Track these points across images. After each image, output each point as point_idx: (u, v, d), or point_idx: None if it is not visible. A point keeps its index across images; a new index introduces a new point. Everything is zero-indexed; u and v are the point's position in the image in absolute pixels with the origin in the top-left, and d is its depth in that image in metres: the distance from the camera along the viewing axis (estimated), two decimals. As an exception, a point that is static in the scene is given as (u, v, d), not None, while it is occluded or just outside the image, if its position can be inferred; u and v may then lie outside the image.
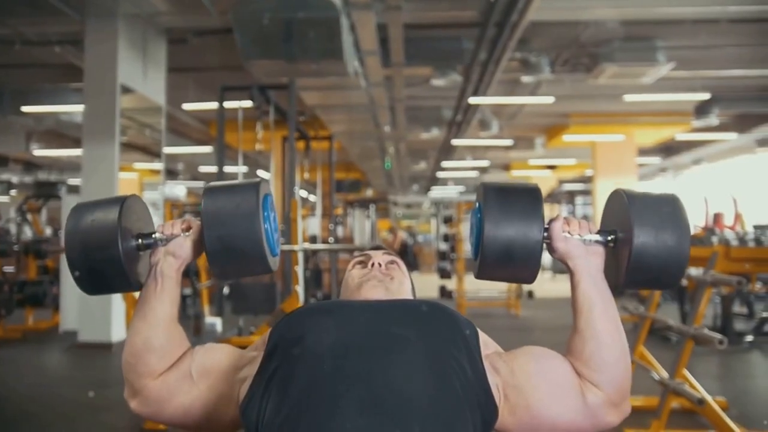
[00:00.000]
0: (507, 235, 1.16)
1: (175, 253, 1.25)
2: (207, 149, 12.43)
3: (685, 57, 7.66)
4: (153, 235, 1.26)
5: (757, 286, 6.29)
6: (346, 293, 1.36)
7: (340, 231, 11.52)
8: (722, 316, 6.28)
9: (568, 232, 1.22)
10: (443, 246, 10.24)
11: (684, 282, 6.17)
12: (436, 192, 22.18)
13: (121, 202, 1.21)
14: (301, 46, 5.61)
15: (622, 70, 7.53)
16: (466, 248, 10.41)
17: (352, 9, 5.48)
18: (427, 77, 7.98)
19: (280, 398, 1.05)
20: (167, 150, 7.46)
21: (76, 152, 10.81)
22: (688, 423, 3.65)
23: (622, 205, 1.19)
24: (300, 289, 4.43)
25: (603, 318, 1.18)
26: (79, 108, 7.75)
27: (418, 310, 1.20)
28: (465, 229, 10.47)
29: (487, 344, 1.21)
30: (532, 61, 7.55)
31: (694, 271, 4.50)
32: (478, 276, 1.24)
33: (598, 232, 1.23)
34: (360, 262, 1.41)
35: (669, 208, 1.18)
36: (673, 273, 1.17)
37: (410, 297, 1.38)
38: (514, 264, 1.18)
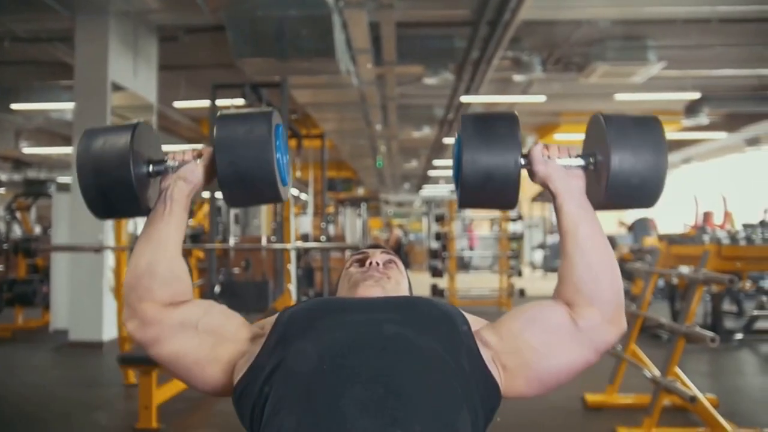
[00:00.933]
0: (485, 161, 1.18)
1: (186, 178, 1.24)
2: (198, 147, 12.36)
3: (676, 56, 7.70)
4: (164, 162, 1.26)
5: (747, 284, 6.33)
6: (343, 291, 1.36)
7: (331, 229, 11.51)
8: (712, 314, 6.31)
9: (548, 157, 1.24)
10: (434, 244, 10.25)
11: (675, 280, 6.21)
12: (428, 191, 22.20)
13: (133, 127, 1.22)
14: (293, 44, 5.60)
15: (613, 69, 7.57)
16: (458, 247, 10.44)
17: (345, 7, 5.48)
18: (418, 76, 7.98)
19: (279, 398, 1.05)
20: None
21: (65, 150, 10.76)
22: (680, 420, 3.67)
23: (600, 127, 1.21)
24: (293, 287, 4.42)
25: (590, 236, 1.19)
26: (69, 106, 7.71)
27: (415, 308, 1.20)
28: (457, 228, 10.50)
29: (474, 323, 1.22)
30: (524, 60, 7.57)
31: (685, 270, 4.53)
32: (461, 204, 1.26)
33: (578, 156, 1.25)
34: (358, 261, 1.40)
35: (646, 128, 1.20)
36: (651, 191, 1.20)
37: (407, 295, 1.38)
38: (493, 189, 1.20)
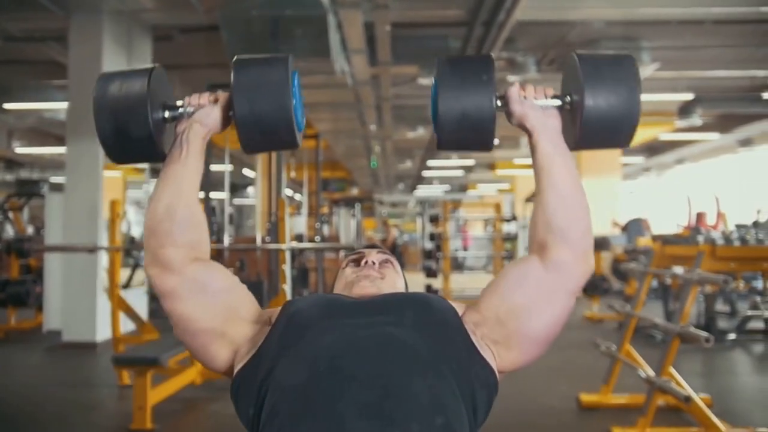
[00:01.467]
0: (461, 101, 1.19)
1: (201, 121, 1.25)
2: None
3: (670, 57, 7.74)
4: (180, 106, 1.27)
5: (740, 285, 6.37)
6: (339, 291, 1.35)
7: (326, 230, 11.50)
8: (706, 315, 6.34)
9: (524, 97, 1.25)
10: (429, 245, 10.25)
11: (668, 280, 6.24)
12: (422, 191, 22.21)
13: (150, 70, 1.22)
14: (288, 44, 5.60)
15: (608, 70, 7.58)
16: (452, 247, 10.45)
17: (340, 7, 5.47)
18: (413, 76, 7.98)
19: (276, 401, 1.04)
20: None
21: (58, 150, 10.71)
22: (674, 420, 3.68)
23: (575, 67, 1.22)
24: (287, 287, 4.42)
25: (563, 173, 1.21)
26: (62, 105, 7.67)
27: (407, 306, 1.20)
28: (450, 228, 10.52)
29: (459, 309, 1.23)
30: (519, 61, 7.58)
31: (680, 270, 4.55)
32: (439, 146, 1.28)
33: (554, 97, 1.26)
34: (353, 261, 1.39)
35: (620, 66, 1.21)
36: (625, 130, 1.21)
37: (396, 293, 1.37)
38: (469, 129, 1.21)
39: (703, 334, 2.93)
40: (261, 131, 1.21)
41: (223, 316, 1.19)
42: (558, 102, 1.26)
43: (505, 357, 1.18)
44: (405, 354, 1.08)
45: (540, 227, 1.21)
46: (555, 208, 1.19)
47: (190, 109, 1.26)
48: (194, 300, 1.18)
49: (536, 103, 1.25)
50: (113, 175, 6.43)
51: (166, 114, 1.26)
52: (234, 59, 1.22)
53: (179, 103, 1.27)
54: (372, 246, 1.45)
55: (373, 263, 1.36)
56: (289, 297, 4.42)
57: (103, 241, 5.78)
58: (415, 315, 1.17)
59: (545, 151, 1.22)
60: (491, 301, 1.20)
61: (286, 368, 1.08)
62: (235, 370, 1.16)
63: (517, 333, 1.17)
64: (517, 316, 1.17)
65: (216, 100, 1.26)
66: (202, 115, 1.25)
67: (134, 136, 1.20)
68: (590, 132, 1.21)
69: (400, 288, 1.37)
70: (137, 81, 1.20)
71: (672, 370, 3.33)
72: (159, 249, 1.18)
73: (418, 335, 1.12)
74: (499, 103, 1.22)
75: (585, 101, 1.18)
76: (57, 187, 10.86)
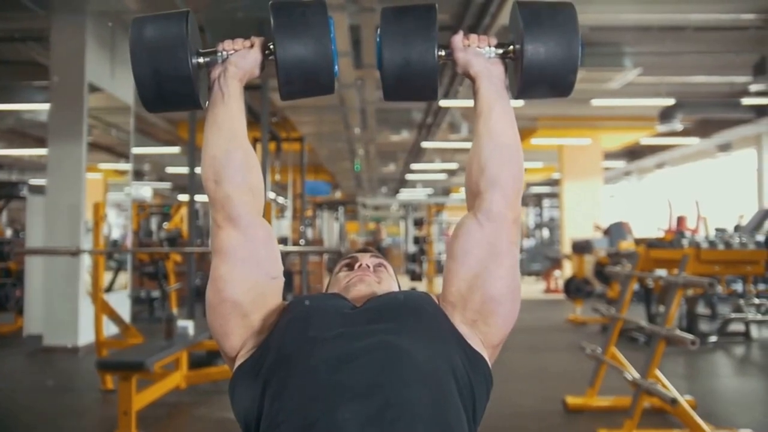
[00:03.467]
0: (403, 52, 1.20)
1: (237, 63, 1.23)
2: (174, 150, 12.26)
3: (651, 63, 7.82)
4: (215, 52, 1.25)
5: (721, 288, 6.44)
6: None
7: (309, 233, 11.47)
8: (687, 317, 6.41)
9: (468, 45, 1.26)
10: (413, 248, 10.27)
11: (650, 283, 6.29)
12: (405, 194, 22.24)
13: (185, 14, 1.20)
14: (273, 47, 5.58)
15: (590, 74, 7.66)
16: (437, 250, 10.46)
17: (326, 10, 5.47)
18: (398, 79, 7.99)
19: (276, 411, 1.03)
20: (134, 150, 7.33)
21: (38, 152, 10.58)
22: (658, 422, 3.71)
23: (515, 16, 1.23)
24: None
25: (501, 119, 1.22)
26: (42, 107, 7.58)
27: (403, 312, 1.18)
28: (435, 231, 10.53)
29: (438, 300, 1.24)
30: (503, 65, 7.62)
31: (663, 273, 4.60)
32: (386, 97, 1.28)
33: (497, 46, 1.27)
34: (347, 265, 1.39)
35: (559, 15, 1.22)
36: (564, 79, 1.23)
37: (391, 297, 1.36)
38: (413, 78, 1.22)
39: (689, 336, 2.96)
40: (302, 74, 1.20)
41: (254, 297, 1.18)
42: (501, 50, 1.26)
43: (487, 331, 1.18)
44: (403, 362, 1.07)
45: (474, 173, 1.22)
46: (490, 154, 1.20)
47: (224, 54, 1.24)
48: (244, 267, 1.18)
49: (480, 51, 1.26)
50: (94, 177, 6.35)
51: (201, 59, 1.24)
52: (271, 2, 1.21)
53: (213, 48, 1.26)
54: (365, 250, 1.44)
55: (368, 267, 1.35)
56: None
57: (86, 244, 5.72)
58: (410, 319, 1.16)
59: (486, 97, 1.23)
60: (451, 285, 1.21)
61: (285, 379, 1.06)
62: (236, 365, 1.16)
63: (484, 300, 1.18)
64: (477, 286, 1.18)
65: (252, 45, 1.24)
66: (237, 57, 1.23)
67: (173, 80, 1.18)
68: (530, 79, 1.22)
69: (394, 291, 1.36)
70: (174, 24, 1.18)
71: (658, 373, 3.36)
72: (226, 198, 1.18)
73: (415, 341, 1.11)
74: (442, 52, 1.23)
75: (525, 48, 1.19)
76: (37, 189, 10.73)
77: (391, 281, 1.38)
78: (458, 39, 1.25)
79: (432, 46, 1.20)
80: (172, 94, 1.21)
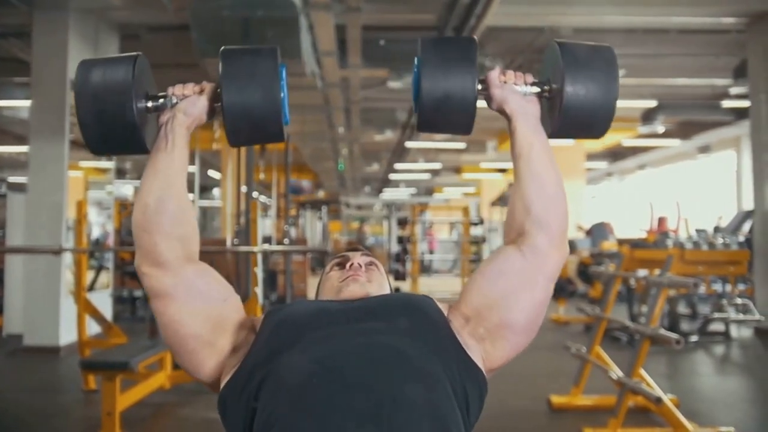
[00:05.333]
0: (443, 83, 1.19)
1: (186, 111, 1.21)
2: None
3: (635, 65, 7.90)
4: (164, 96, 1.23)
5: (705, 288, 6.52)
6: (325, 295, 1.33)
7: (293, 232, 11.44)
8: (669, 317, 6.48)
9: (504, 81, 1.25)
10: (396, 248, 10.28)
11: (633, 283, 6.35)
12: (388, 194, 22.25)
13: (134, 58, 1.19)
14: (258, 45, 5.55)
15: (574, 76, 7.71)
16: (420, 250, 10.48)
17: (312, 9, 5.46)
18: (383, 79, 8.00)
19: (269, 413, 1.02)
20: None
21: (19, 149, 10.45)
22: (642, 420, 3.74)
23: (554, 55, 1.23)
24: (259, 290, 4.38)
25: (542, 158, 1.21)
26: (23, 103, 7.49)
27: (398, 311, 1.19)
28: (419, 231, 10.55)
29: (444, 310, 1.23)
30: (487, 66, 7.65)
31: (644, 273, 4.66)
32: (420, 128, 1.28)
33: (534, 83, 1.27)
34: (338, 264, 1.38)
35: (599, 57, 1.22)
36: (602, 121, 1.23)
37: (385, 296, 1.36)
38: (450, 111, 1.21)
39: (674, 336, 2.99)
40: (249, 123, 1.19)
41: (213, 324, 1.17)
42: (537, 89, 1.26)
43: (492, 352, 1.18)
44: (398, 360, 1.07)
45: (518, 214, 1.21)
46: (534, 196, 1.20)
47: (174, 100, 1.23)
48: (189, 303, 1.16)
49: (516, 89, 1.25)
50: (74, 175, 6.27)
51: (150, 104, 1.22)
52: (222, 49, 1.20)
53: (163, 93, 1.24)
54: (355, 249, 1.43)
55: (359, 266, 1.35)
56: (260, 300, 4.38)
57: (67, 242, 5.65)
58: (405, 320, 1.16)
59: (525, 137, 1.22)
60: (472, 298, 1.20)
61: (278, 380, 1.05)
62: (222, 384, 1.13)
63: (501, 324, 1.17)
64: (499, 308, 1.17)
65: (201, 91, 1.23)
66: (187, 104, 1.22)
67: (117, 126, 1.16)
68: (568, 121, 1.22)
69: (386, 289, 1.36)
70: (121, 68, 1.17)
71: (642, 372, 3.39)
72: (153, 245, 1.16)
73: (410, 340, 1.11)
74: (479, 86, 1.22)
75: (565, 89, 1.18)
76: (16, 187, 10.59)
77: (383, 280, 1.37)
78: (495, 75, 1.25)
79: (473, 80, 1.20)
80: (118, 139, 1.19)
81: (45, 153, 5.91)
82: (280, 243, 8.65)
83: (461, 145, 13.28)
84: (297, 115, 9.36)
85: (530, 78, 1.27)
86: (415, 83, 1.24)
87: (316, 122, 9.77)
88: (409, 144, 11.98)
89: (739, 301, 5.66)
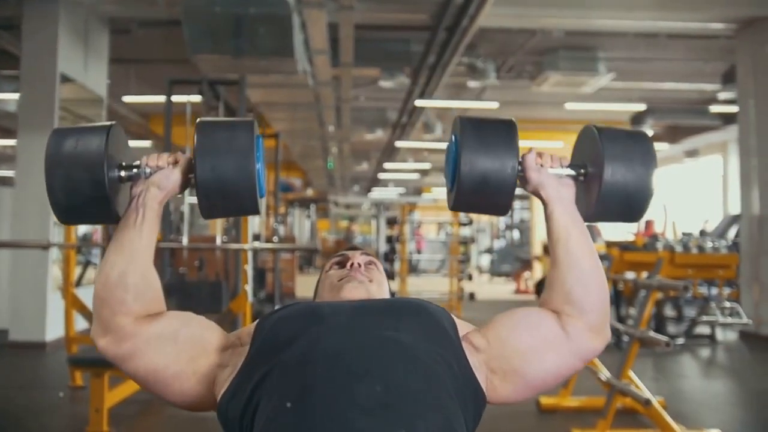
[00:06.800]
0: (483, 164, 1.19)
1: (159, 184, 1.20)
2: (146, 144, 12.08)
3: (625, 69, 7.96)
4: (137, 166, 1.21)
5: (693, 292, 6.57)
6: (325, 294, 1.33)
7: (281, 230, 11.41)
8: (656, 319, 6.52)
9: (541, 164, 1.25)
10: (384, 247, 10.28)
11: (621, 285, 6.39)
12: (377, 193, 22.25)
13: (107, 128, 1.17)
14: (250, 42, 5.54)
15: (565, 78, 7.77)
16: (408, 249, 10.48)
17: (304, 7, 5.44)
18: (375, 78, 8.00)
19: (275, 404, 1.02)
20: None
21: (7, 142, 10.34)
22: (629, 422, 3.76)
23: (593, 140, 1.23)
24: (249, 288, 4.36)
25: (580, 245, 1.21)
26: (11, 96, 7.42)
27: (402, 310, 1.19)
28: (408, 231, 10.55)
29: (462, 327, 1.22)
30: (479, 67, 7.68)
31: (634, 275, 4.69)
32: (454, 206, 1.27)
33: (569, 166, 1.27)
34: (338, 263, 1.38)
35: (637, 144, 1.23)
36: (639, 206, 1.24)
37: (388, 297, 1.37)
38: (488, 193, 1.21)
39: (663, 338, 3.01)
40: (223, 198, 1.17)
41: (190, 354, 1.15)
42: (573, 172, 1.26)
43: (496, 388, 1.17)
44: (404, 354, 1.08)
45: (558, 294, 1.20)
46: (573, 282, 1.19)
47: (147, 170, 1.21)
48: (156, 351, 1.14)
49: (551, 172, 1.25)
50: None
51: (123, 173, 1.20)
52: (197, 121, 1.19)
53: (136, 162, 1.22)
54: (354, 248, 1.44)
55: (359, 265, 1.35)
56: (250, 297, 4.37)
57: (55, 237, 5.60)
58: (412, 319, 1.16)
59: (563, 223, 1.22)
60: (501, 333, 1.19)
61: (281, 374, 1.05)
62: (219, 395, 1.12)
63: (517, 371, 1.17)
64: (523, 355, 1.17)
65: (176, 162, 1.22)
66: (161, 177, 1.20)
67: (88, 198, 1.14)
68: (606, 208, 1.22)
69: (385, 289, 1.36)
70: (94, 138, 1.14)
71: (631, 374, 3.42)
72: (112, 318, 1.14)
73: (415, 338, 1.12)
74: (517, 168, 1.22)
75: (604, 176, 1.18)
76: (3, 181, 10.49)
77: (382, 279, 1.37)
78: (532, 158, 1.24)
79: (514, 165, 1.19)
80: (87, 212, 1.18)
81: (33, 147, 5.84)
82: (269, 241, 8.62)
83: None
84: (287, 113, 9.34)
85: (566, 161, 1.27)
86: (453, 162, 1.23)
87: (306, 120, 9.75)
88: (399, 143, 11.99)
89: (727, 304, 5.72)
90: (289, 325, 1.14)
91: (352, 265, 1.35)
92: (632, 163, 1.20)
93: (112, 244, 1.17)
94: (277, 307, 1.27)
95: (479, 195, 1.22)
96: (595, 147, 1.22)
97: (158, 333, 1.15)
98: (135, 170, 1.21)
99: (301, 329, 1.12)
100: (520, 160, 1.24)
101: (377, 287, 1.33)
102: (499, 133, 1.22)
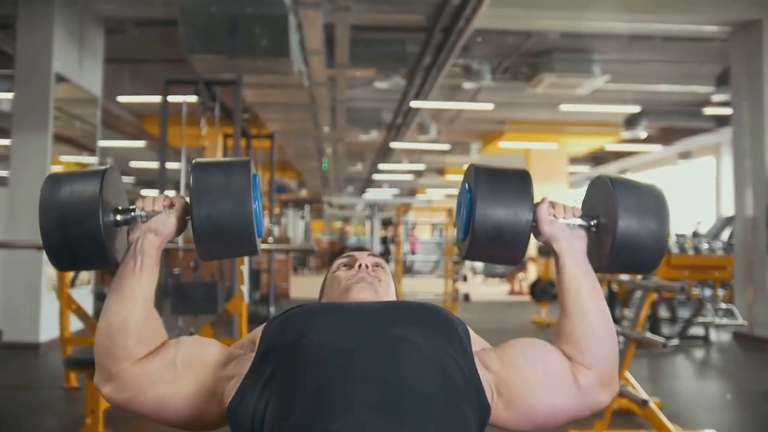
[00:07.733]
0: (498, 216, 1.18)
1: (156, 230, 1.19)
2: (140, 144, 12.06)
3: (619, 70, 7.98)
4: (133, 211, 1.21)
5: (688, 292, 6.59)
6: (332, 295, 1.33)
7: (276, 231, 11.41)
8: (650, 321, 6.54)
9: (554, 216, 1.25)
10: (379, 248, 10.27)
11: (614, 287, 6.41)
12: (371, 194, 22.24)
13: (102, 174, 1.16)
14: (246, 43, 5.53)
15: (560, 80, 7.78)
16: (403, 251, 10.49)
17: (301, 7, 5.44)
18: (370, 79, 8.00)
19: (285, 403, 1.02)
20: (100, 144, 7.17)
21: (1, 142, 10.29)
22: (625, 423, 3.77)
23: (606, 191, 1.23)
24: (245, 289, 4.35)
25: (590, 298, 1.21)
26: (5, 96, 7.38)
27: (414, 311, 1.20)
28: (402, 232, 10.55)
29: (476, 342, 1.22)
30: (474, 68, 7.69)
31: (625, 277, 4.68)
32: (466, 256, 1.26)
33: (582, 217, 1.27)
34: (345, 264, 1.38)
35: (650, 196, 1.23)
36: (652, 259, 1.23)
37: (395, 299, 1.37)
38: (502, 245, 1.20)
39: (661, 339, 3.02)
40: (220, 240, 1.16)
41: (192, 374, 1.15)
42: (585, 223, 1.26)
43: (499, 410, 1.17)
44: (417, 356, 1.08)
45: (568, 345, 1.20)
46: (583, 333, 1.19)
47: (143, 215, 1.20)
48: (158, 382, 1.14)
49: (564, 223, 1.25)
50: (55, 169, 6.20)
51: (119, 218, 1.19)
52: (193, 162, 1.18)
53: (132, 207, 1.21)
54: (361, 248, 1.44)
55: (367, 267, 1.35)
56: (246, 298, 4.36)
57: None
58: (424, 321, 1.17)
59: (574, 276, 1.22)
60: (518, 360, 1.19)
61: (292, 373, 1.05)
62: (227, 403, 1.11)
63: (524, 401, 1.16)
64: (533, 388, 1.17)
65: (171, 205, 1.20)
66: (157, 223, 1.19)
67: (84, 244, 1.13)
68: (619, 260, 1.21)
69: (392, 290, 1.36)
70: (89, 184, 1.14)
71: (627, 374, 3.42)
72: (115, 366, 1.14)
73: (428, 340, 1.12)
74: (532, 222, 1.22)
75: (618, 229, 1.18)
76: (-4, 181, 10.43)
77: (390, 280, 1.38)
78: (545, 209, 1.24)
79: (529, 219, 1.19)
80: (83, 258, 1.16)
81: (28, 147, 5.83)
82: (264, 242, 8.62)
83: (445, 147, 13.31)
84: (282, 113, 9.32)
85: (578, 211, 1.27)
86: (467, 213, 1.23)
87: (301, 121, 9.74)
88: (394, 144, 11.99)
89: (723, 305, 5.74)
90: (298, 325, 1.14)
91: (360, 266, 1.35)
92: (645, 218, 1.19)
93: (113, 293, 1.17)
94: (285, 310, 1.26)
95: (493, 247, 1.21)
96: (608, 199, 1.21)
97: (158, 366, 1.15)
98: (131, 214, 1.20)
99: (313, 329, 1.12)
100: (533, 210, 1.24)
101: (385, 289, 1.33)
102: (514, 184, 1.21)
